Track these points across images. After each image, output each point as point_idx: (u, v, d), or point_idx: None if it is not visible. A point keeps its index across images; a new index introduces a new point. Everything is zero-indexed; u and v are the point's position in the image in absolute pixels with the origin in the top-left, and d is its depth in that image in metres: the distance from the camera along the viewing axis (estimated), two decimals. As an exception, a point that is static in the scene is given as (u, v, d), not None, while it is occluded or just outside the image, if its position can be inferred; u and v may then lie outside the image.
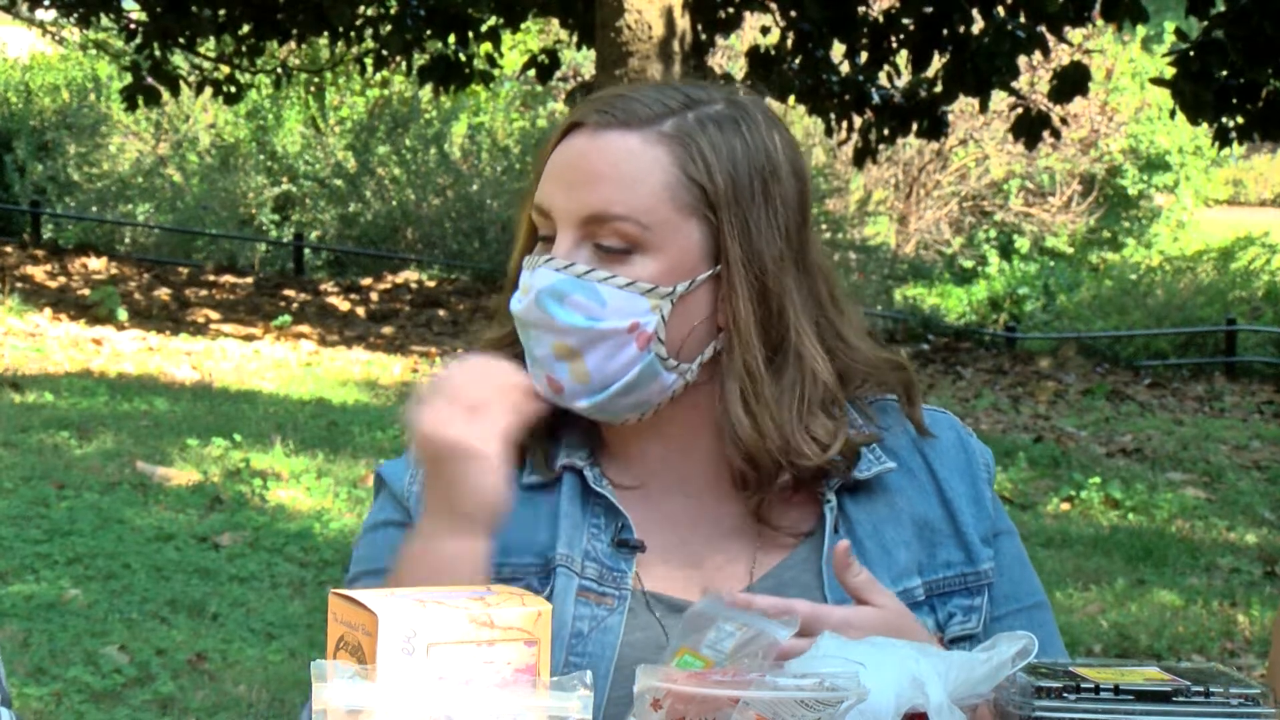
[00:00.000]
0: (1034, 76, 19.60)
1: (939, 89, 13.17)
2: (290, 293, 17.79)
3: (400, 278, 19.14)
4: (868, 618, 1.56)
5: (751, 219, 1.68)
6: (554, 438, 1.77)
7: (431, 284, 18.96)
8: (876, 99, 13.37)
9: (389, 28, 14.64)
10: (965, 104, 18.46)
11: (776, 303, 1.69)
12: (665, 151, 1.68)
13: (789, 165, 1.72)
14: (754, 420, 1.68)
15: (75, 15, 16.19)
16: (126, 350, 12.85)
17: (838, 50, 13.47)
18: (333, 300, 17.44)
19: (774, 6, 13.23)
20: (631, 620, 1.68)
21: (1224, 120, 12.78)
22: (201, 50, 15.97)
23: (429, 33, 14.58)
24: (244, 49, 15.31)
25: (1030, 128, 13.10)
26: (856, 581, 1.59)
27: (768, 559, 1.73)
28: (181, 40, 14.83)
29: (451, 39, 14.48)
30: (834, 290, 1.75)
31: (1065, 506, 9.24)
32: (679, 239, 1.67)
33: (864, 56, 13.10)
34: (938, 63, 12.93)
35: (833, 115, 13.25)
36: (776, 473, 1.71)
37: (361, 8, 14.35)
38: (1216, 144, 13.26)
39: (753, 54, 13.31)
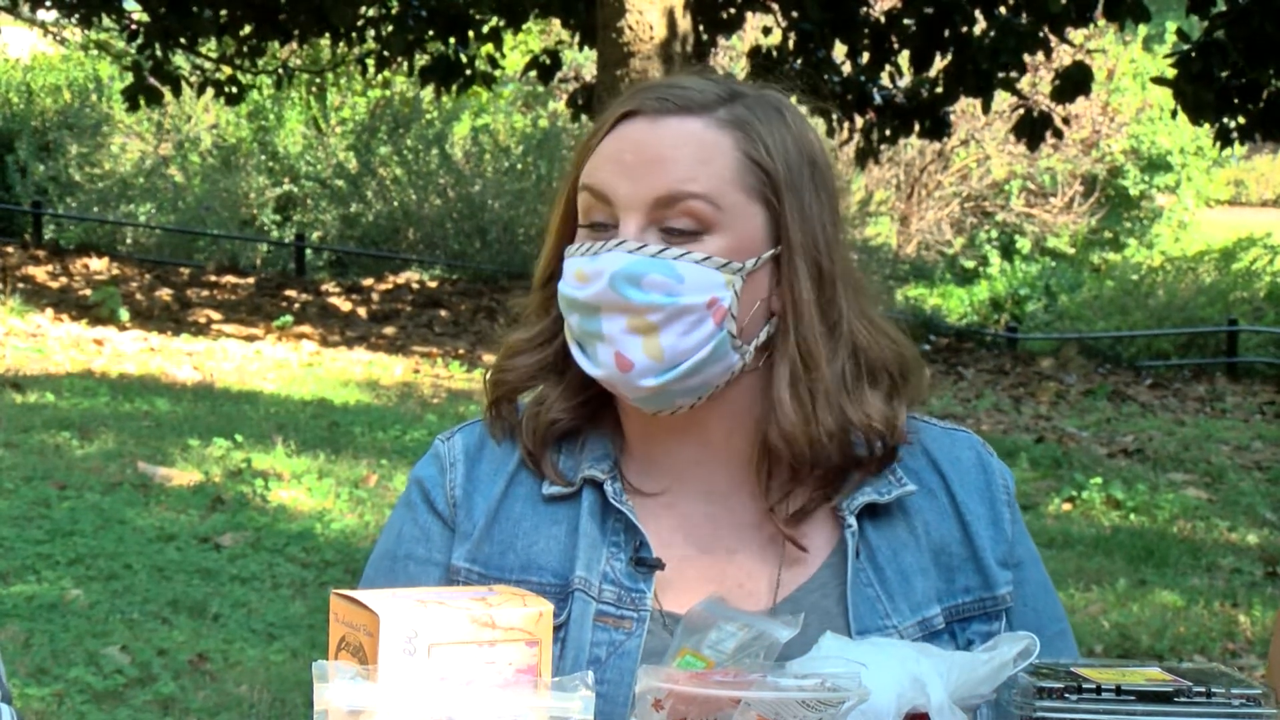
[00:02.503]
0: (1035, 77, 19.61)
1: (940, 89, 13.17)
2: (292, 293, 17.79)
3: (402, 278, 19.13)
4: None
5: (805, 203, 1.71)
6: (576, 446, 1.76)
7: (433, 284, 18.96)
8: (878, 99, 13.37)
9: (390, 28, 14.64)
10: (967, 104, 18.46)
11: (830, 285, 1.71)
12: (727, 136, 1.70)
13: (824, 155, 1.77)
14: (799, 403, 1.69)
15: (77, 16, 16.19)
16: (128, 351, 12.85)
17: (839, 50, 13.48)
18: (334, 301, 17.44)
19: (775, 7, 13.23)
20: (650, 641, 1.67)
21: (1225, 120, 12.78)
22: (203, 51, 15.98)
23: (430, 33, 14.58)
24: (245, 49, 15.31)
25: (1033, 128, 13.10)
26: None
27: (790, 577, 1.72)
28: (183, 41, 14.83)
29: (453, 40, 14.48)
30: (860, 277, 1.78)
31: (1067, 507, 9.23)
32: (744, 221, 1.69)
33: (865, 57, 13.10)
34: (939, 63, 12.93)
35: (834, 115, 13.26)
36: (814, 460, 1.70)
37: (363, 8, 14.34)
38: (1218, 144, 13.25)
39: (754, 54, 13.31)
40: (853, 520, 1.71)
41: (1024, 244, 25.89)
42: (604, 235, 1.68)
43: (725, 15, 13.23)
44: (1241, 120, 12.79)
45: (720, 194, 1.67)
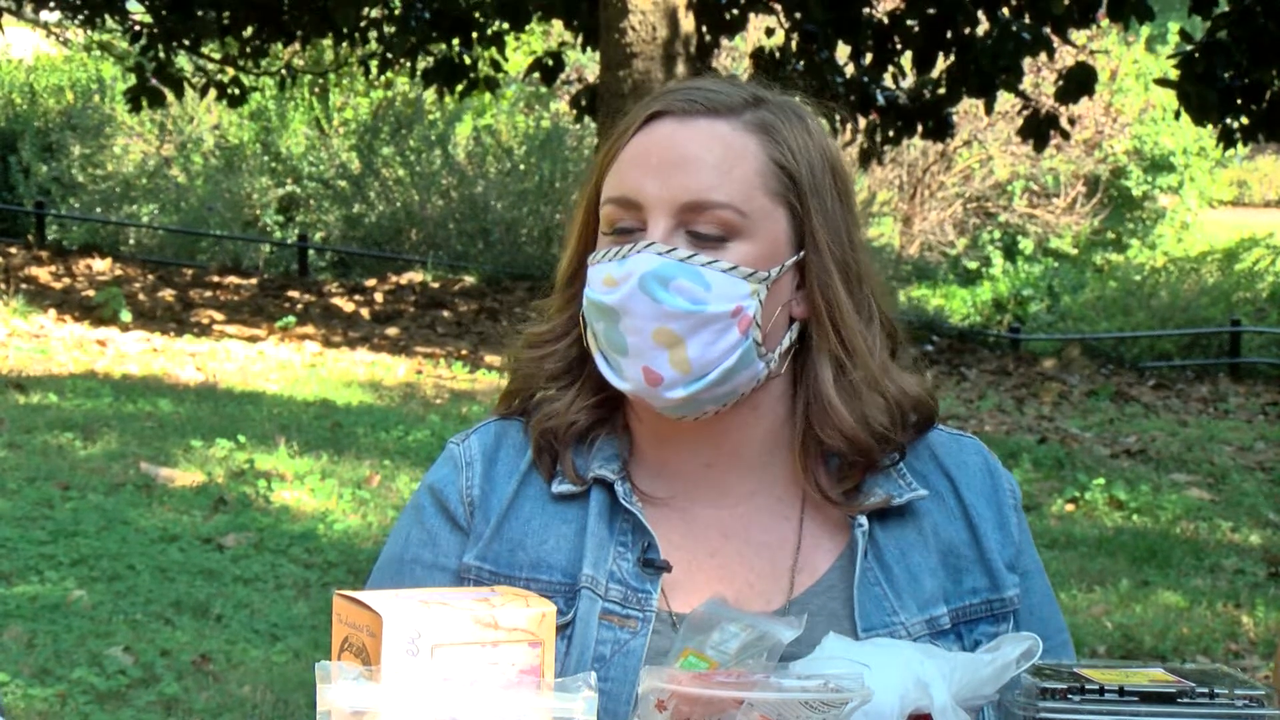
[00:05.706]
0: (1039, 78, 19.60)
1: (943, 90, 13.16)
2: (294, 294, 17.79)
3: (404, 279, 19.12)
4: None
5: (828, 206, 1.74)
6: (587, 445, 1.77)
7: (435, 285, 18.95)
8: (881, 100, 13.36)
9: (393, 30, 14.64)
10: (969, 105, 18.45)
11: (859, 282, 1.74)
12: (754, 140, 1.71)
13: (844, 165, 1.80)
14: (848, 402, 1.72)
15: (80, 17, 16.20)
16: (131, 351, 12.85)
17: (842, 52, 13.47)
18: (337, 301, 17.44)
19: (778, 8, 13.22)
20: (655, 641, 1.67)
21: (1228, 121, 12.75)
22: (206, 52, 15.97)
23: (434, 35, 14.57)
24: (248, 51, 15.30)
25: (1039, 128, 13.09)
26: None
27: (800, 580, 1.73)
28: (186, 42, 14.83)
29: (456, 41, 14.47)
30: (875, 270, 1.82)
31: (1070, 508, 9.23)
32: (770, 225, 1.70)
33: (868, 58, 13.09)
34: (942, 64, 12.92)
35: (837, 116, 13.24)
36: (877, 449, 1.73)
37: (366, 10, 14.34)
38: (1221, 145, 13.23)
39: (757, 55, 13.30)
40: (863, 520, 1.72)
41: (1027, 245, 25.86)
42: (630, 239, 1.68)
43: (728, 16, 13.22)
44: (1244, 121, 12.77)
45: (746, 200, 1.68)
